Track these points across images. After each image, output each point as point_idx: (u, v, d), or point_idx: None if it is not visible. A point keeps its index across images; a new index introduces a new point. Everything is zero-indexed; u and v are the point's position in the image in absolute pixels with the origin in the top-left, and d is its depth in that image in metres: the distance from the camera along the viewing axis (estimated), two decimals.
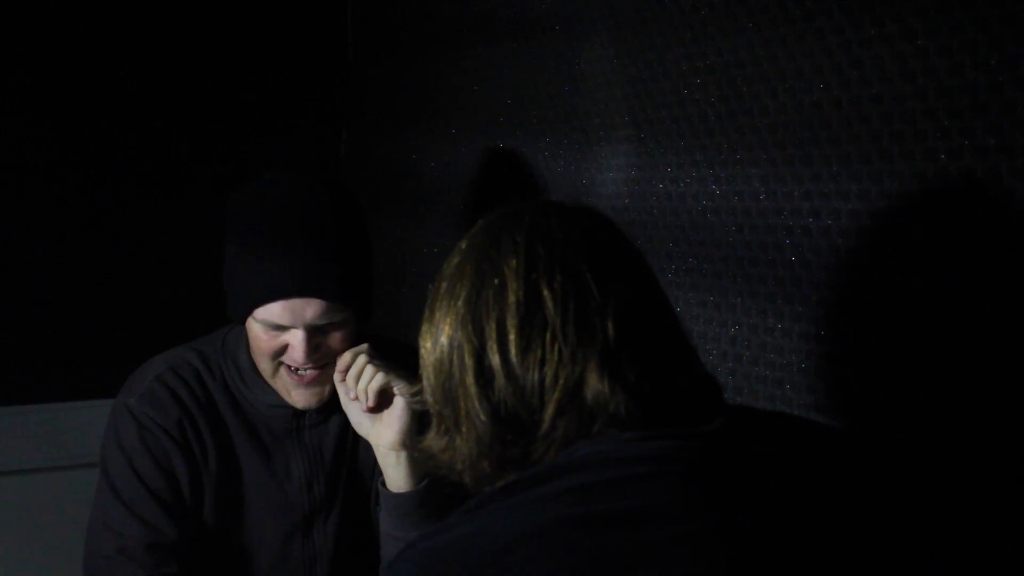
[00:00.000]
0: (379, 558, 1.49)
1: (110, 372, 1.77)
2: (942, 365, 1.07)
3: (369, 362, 1.38)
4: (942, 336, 1.07)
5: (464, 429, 0.89)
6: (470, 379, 0.87)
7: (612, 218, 0.97)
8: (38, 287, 2.30)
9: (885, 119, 1.12)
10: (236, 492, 1.50)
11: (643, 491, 0.80)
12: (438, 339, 0.90)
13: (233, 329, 1.54)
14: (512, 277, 0.87)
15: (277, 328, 1.38)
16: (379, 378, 1.37)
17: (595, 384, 0.84)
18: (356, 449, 1.55)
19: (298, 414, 1.49)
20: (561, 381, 0.85)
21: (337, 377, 1.41)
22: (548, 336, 0.85)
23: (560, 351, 0.85)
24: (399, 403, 1.38)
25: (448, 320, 0.90)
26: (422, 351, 0.93)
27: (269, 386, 1.48)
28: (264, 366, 1.43)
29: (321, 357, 1.40)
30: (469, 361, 0.88)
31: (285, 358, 1.41)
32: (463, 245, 0.94)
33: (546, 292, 0.86)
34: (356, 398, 1.39)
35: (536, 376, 0.85)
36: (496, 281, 0.88)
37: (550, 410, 0.85)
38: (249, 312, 1.38)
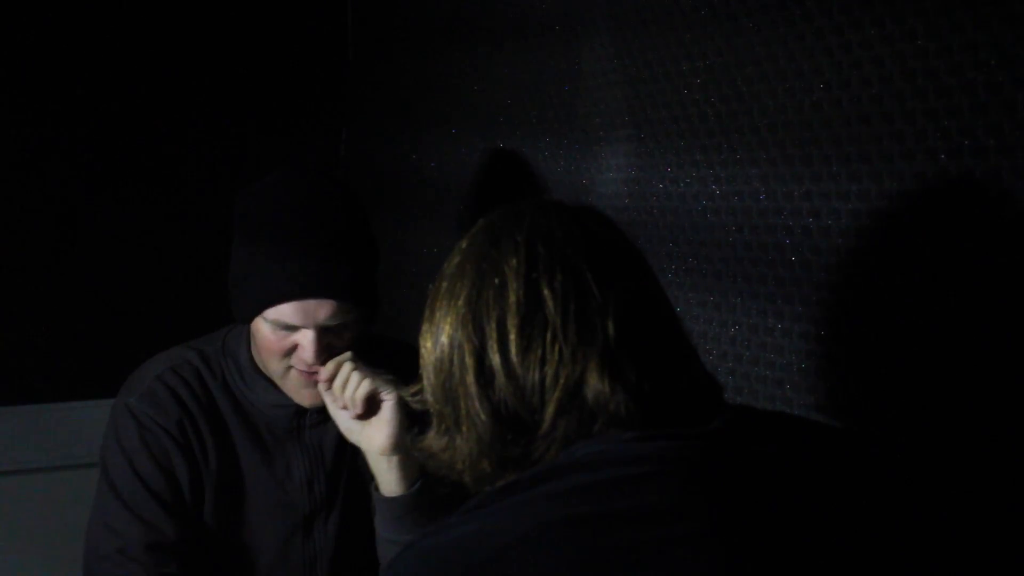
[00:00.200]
0: (379, 558, 1.49)
1: (110, 372, 1.77)
2: (942, 365, 1.07)
3: (354, 369, 1.37)
4: (942, 336, 1.07)
5: (464, 429, 0.89)
6: (470, 379, 0.87)
7: (612, 218, 0.97)
8: (38, 287, 2.30)
9: (885, 119, 1.12)
10: (236, 492, 1.50)
11: (643, 491, 0.80)
12: (438, 339, 0.90)
13: (233, 329, 1.54)
14: (512, 277, 0.87)
15: (287, 328, 1.37)
16: (365, 384, 1.36)
17: (595, 384, 0.84)
18: (357, 449, 1.54)
19: (299, 413, 1.49)
20: (562, 381, 0.85)
21: (322, 387, 1.41)
22: (548, 336, 0.85)
23: (560, 351, 0.85)
24: (387, 408, 1.38)
25: (448, 320, 0.90)
26: (422, 351, 0.93)
27: (270, 385, 1.48)
28: (273, 366, 1.43)
29: (330, 357, 1.40)
30: (469, 361, 0.88)
31: (294, 359, 1.41)
32: (463, 245, 0.94)
33: (547, 292, 0.86)
34: (345, 406, 1.40)
35: (536, 376, 0.85)
36: (496, 281, 0.88)
37: (550, 410, 0.85)
38: (259, 312, 1.37)
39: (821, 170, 1.21)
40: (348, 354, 1.39)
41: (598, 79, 1.61)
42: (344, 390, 1.38)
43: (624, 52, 1.54)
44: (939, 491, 1.08)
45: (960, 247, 1.04)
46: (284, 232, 1.35)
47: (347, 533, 1.54)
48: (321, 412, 1.51)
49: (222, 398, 1.49)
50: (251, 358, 1.49)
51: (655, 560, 0.77)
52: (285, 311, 1.35)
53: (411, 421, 1.34)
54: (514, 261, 0.88)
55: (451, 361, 0.89)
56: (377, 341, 1.49)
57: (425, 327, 0.93)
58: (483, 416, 0.87)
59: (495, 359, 0.86)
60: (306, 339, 1.37)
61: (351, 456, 1.55)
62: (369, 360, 1.44)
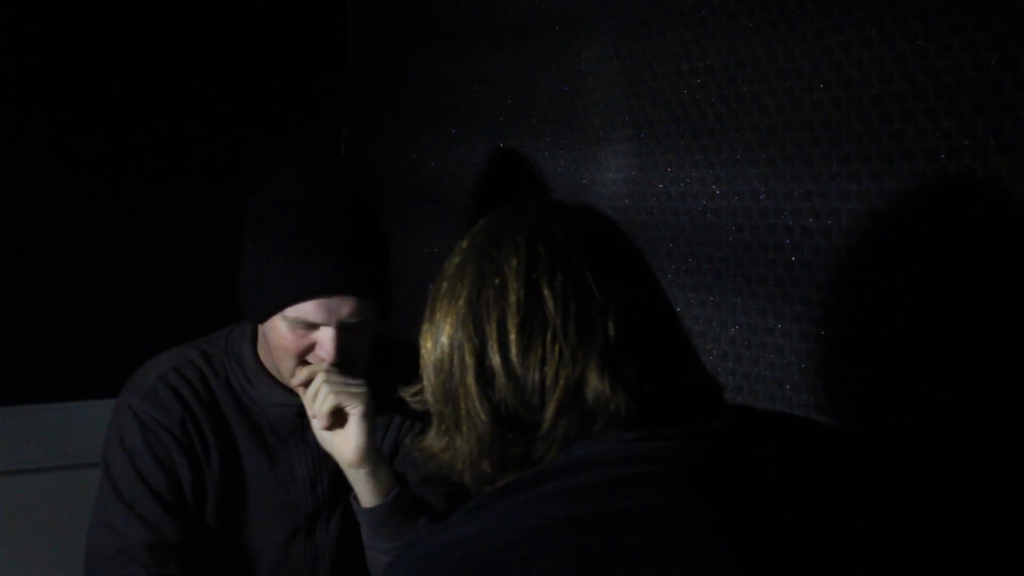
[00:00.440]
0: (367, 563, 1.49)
1: (110, 372, 1.77)
2: (942, 365, 1.07)
3: (325, 381, 1.37)
4: (942, 336, 1.07)
5: (464, 429, 0.89)
6: (471, 379, 0.87)
7: (612, 218, 0.97)
8: (38, 287, 2.30)
9: (885, 119, 1.12)
10: (239, 492, 1.50)
11: (643, 491, 0.80)
12: (439, 339, 0.90)
13: (236, 328, 1.54)
14: (513, 277, 0.87)
15: (308, 327, 1.37)
16: (330, 399, 1.36)
17: (596, 384, 0.84)
18: None
19: (302, 413, 1.49)
20: (562, 381, 0.85)
21: (300, 390, 1.41)
22: (549, 336, 0.85)
23: (561, 351, 0.85)
24: (352, 423, 1.38)
25: (449, 320, 0.90)
26: (423, 351, 0.93)
27: (275, 384, 1.48)
28: (286, 365, 1.42)
29: (347, 355, 1.40)
30: (470, 361, 0.88)
31: (311, 357, 1.40)
32: (464, 245, 0.94)
33: (547, 292, 0.86)
34: (315, 417, 1.40)
35: (537, 376, 0.85)
36: (497, 281, 0.88)
37: (551, 410, 0.85)
38: (279, 310, 1.36)
39: (821, 170, 1.21)
40: (323, 363, 1.39)
41: (598, 79, 1.61)
42: (314, 402, 1.38)
43: (624, 52, 1.54)
44: (939, 491, 1.08)
45: (960, 247, 1.04)
46: (304, 231, 1.35)
47: (349, 533, 1.54)
48: None
49: (225, 398, 1.49)
50: (255, 357, 1.49)
51: (655, 560, 0.77)
52: (307, 309, 1.35)
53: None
54: (514, 261, 0.88)
55: (451, 361, 0.89)
56: (378, 340, 1.49)
57: (425, 327, 0.93)
58: (483, 416, 0.87)
59: (495, 359, 0.86)
60: (326, 337, 1.37)
61: None
62: (370, 359, 1.44)
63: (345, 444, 1.39)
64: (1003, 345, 1.00)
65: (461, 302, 0.89)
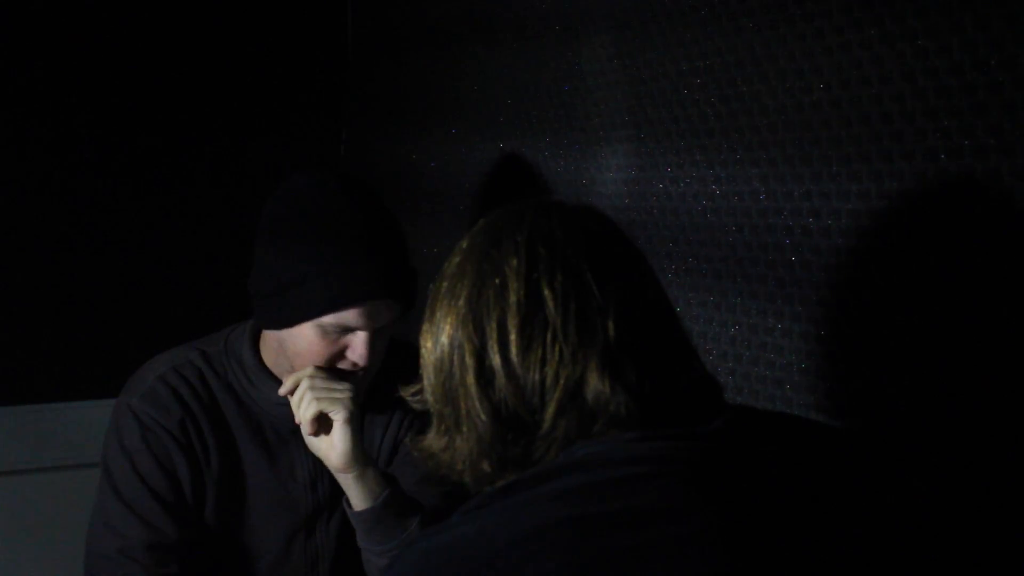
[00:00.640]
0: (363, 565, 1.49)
1: (110, 372, 1.77)
2: (942, 365, 1.07)
3: (308, 388, 1.37)
4: (942, 336, 1.07)
5: (464, 429, 0.89)
6: (471, 379, 0.87)
7: (612, 218, 0.97)
8: (38, 287, 2.30)
9: (885, 119, 1.12)
10: (239, 492, 1.50)
11: (643, 491, 0.80)
12: (439, 339, 0.90)
13: (235, 328, 1.54)
14: (513, 277, 0.87)
15: (344, 331, 1.37)
16: (313, 405, 1.37)
17: (596, 384, 0.84)
18: None
19: None
20: (562, 381, 0.85)
21: (290, 398, 1.41)
22: (549, 336, 0.85)
23: (561, 351, 0.85)
24: (337, 429, 1.38)
25: (449, 320, 0.90)
26: (423, 351, 0.93)
27: (277, 384, 1.48)
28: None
29: (374, 357, 1.40)
30: (470, 361, 0.88)
31: (342, 362, 1.40)
32: (464, 245, 0.94)
33: (547, 292, 0.86)
34: (299, 422, 1.40)
35: (537, 376, 0.85)
36: (497, 281, 0.88)
37: (551, 410, 0.85)
38: (317, 317, 1.35)
39: (821, 170, 1.21)
40: (309, 370, 1.39)
41: (598, 79, 1.61)
42: (298, 408, 1.38)
43: (624, 52, 1.54)
44: (939, 491, 1.08)
45: (960, 247, 1.04)
46: (338, 237, 1.33)
47: (349, 533, 1.54)
48: None
49: (225, 398, 1.49)
50: (256, 357, 1.49)
51: (655, 560, 0.77)
52: (348, 315, 1.34)
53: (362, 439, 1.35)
54: (515, 261, 0.88)
55: (451, 361, 0.89)
56: (393, 343, 1.49)
57: (425, 327, 0.93)
58: (483, 416, 0.87)
59: (495, 359, 0.86)
60: (360, 340, 1.37)
61: None
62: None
63: (331, 449, 1.39)
64: (1003, 345, 1.00)
65: (461, 302, 0.89)
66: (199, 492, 1.47)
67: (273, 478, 1.51)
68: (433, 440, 0.94)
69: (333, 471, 1.41)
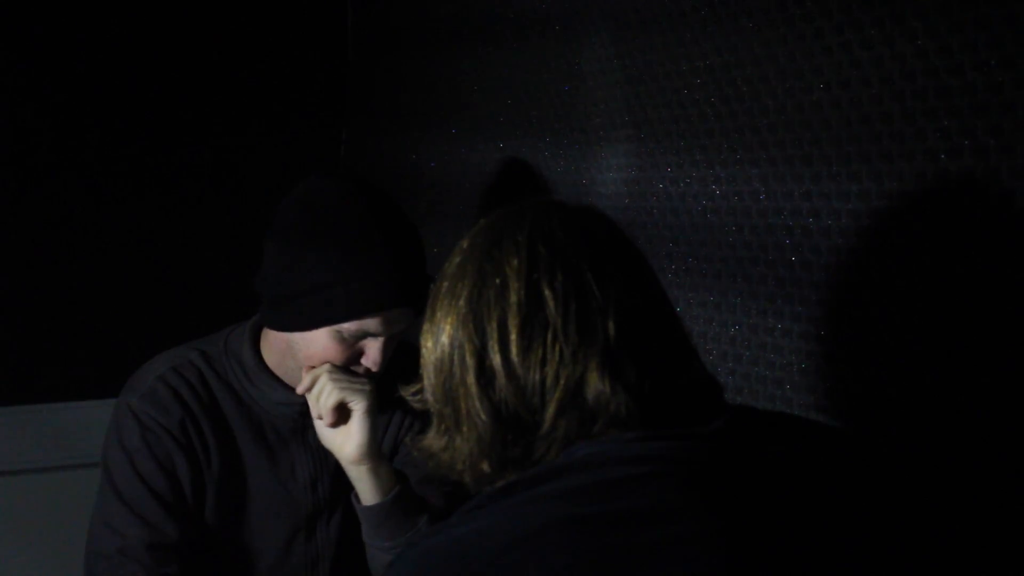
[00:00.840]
0: (368, 562, 1.49)
1: (110, 372, 1.77)
2: (942, 365, 1.07)
3: (329, 379, 1.38)
4: (942, 336, 1.07)
5: (465, 429, 0.89)
6: (471, 379, 0.88)
7: (612, 218, 0.97)
8: (38, 287, 2.30)
9: (885, 119, 1.12)
10: (239, 492, 1.50)
11: (643, 491, 0.80)
12: (439, 338, 0.91)
13: (235, 328, 1.54)
14: (514, 277, 0.87)
15: (361, 336, 1.38)
16: (334, 395, 1.38)
17: (596, 384, 0.84)
18: None
19: (304, 413, 1.49)
20: (562, 381, 0.85)
21: (306, 394, 1.42)
22: (549, 336, 0.85)
23: (561, 351, 0.85)
24: (356, 419, 1.39)
25: (449, 319, 0.90)
26: (423, 350, 0.93)
27: (277, 383, 1.48)
28: None
29: (386, 361, 1.41)
30: (470, 360, 0.88)
31: (356, 366, 1.41)
32: (464, 245, 0.94)
33: (547, 292, 0.86)
34: (320, 416, 1.41)
35: (537, 376, 0.85)
36: (498, 281, 0.88)
37: (551, 410, 0.85)
38: (339, 323, 1.35)
39: (821, 170, 1.21)
40: (326, 366, 1.39)
41: (598, 79, 1.61)
42: (318, 399, 1.39)
43: (624, 52, 1.54)
44: (939, 491, 1.08)
45: (960, 247, 1.04)
46: (364, 242, 1.33)
47: (349, 533, 1.55)
48: None
49: (225, 398, 1.49)
50: (256, 357, 1.49)
51: (656, 560, 0.77)
52: (369, 322, 1.35)
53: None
54: (515, 261, 0.88)
55: (452, 361, 0.89)
56: None
57: (426, 327, 0.93)
58: (483, 416, 0.87)
59: (496, 359, 0.86)
60: (376, 346, 1.38)
61: None
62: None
63: (348, 440, 1.39)
64: (1003, 345, 1.01)
65: (462, 302, 0.89)
66: (199, 492, 1.47)
67: (273, 478, 1.51)
68: (433, 440, 0.94)
69: (347, 463, 1.41)
